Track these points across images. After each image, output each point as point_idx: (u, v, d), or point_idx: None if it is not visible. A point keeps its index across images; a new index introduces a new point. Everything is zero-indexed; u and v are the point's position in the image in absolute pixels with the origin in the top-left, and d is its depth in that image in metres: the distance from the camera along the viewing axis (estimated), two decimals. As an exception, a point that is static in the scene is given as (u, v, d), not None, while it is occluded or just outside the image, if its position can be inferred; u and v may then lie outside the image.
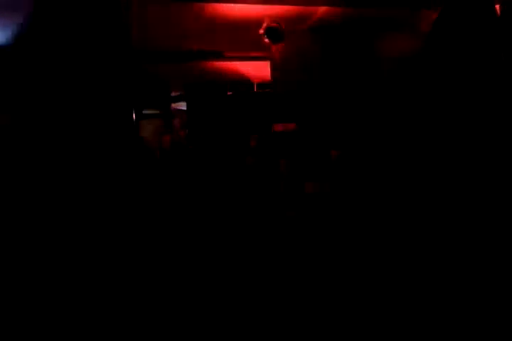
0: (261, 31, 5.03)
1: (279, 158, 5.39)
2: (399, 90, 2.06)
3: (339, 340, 2.38)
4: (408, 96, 2.01)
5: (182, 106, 9.50)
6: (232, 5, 4.86)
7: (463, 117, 1.72)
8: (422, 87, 1.83)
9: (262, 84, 8.35)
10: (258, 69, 7.30)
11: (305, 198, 5.09)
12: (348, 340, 2.31)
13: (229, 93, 8.74)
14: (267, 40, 5.12)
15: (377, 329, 1.82)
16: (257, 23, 5.10)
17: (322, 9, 5.26)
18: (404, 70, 2.23)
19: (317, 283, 3.38)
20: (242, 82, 8.49)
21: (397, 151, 1.98)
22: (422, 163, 1.81)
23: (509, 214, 1.52)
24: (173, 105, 6.43)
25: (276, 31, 5.02)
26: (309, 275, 3.48)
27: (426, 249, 1.65)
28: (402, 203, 1.82)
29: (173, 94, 6.43)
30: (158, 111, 5.84)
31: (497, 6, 2.10)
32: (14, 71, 1.89)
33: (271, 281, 3.88)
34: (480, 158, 1.61)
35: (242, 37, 5.80)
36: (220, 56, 7.00)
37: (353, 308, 2.19)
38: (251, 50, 6.54)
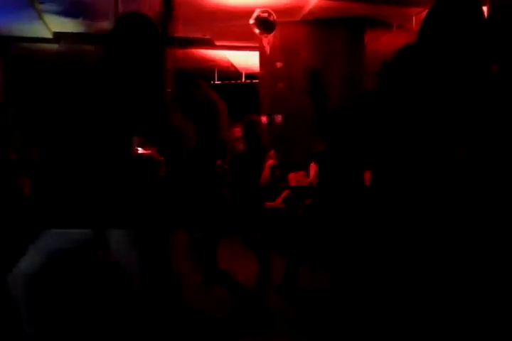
0: (251, 21, 4.99)
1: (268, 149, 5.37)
2: (389, 86, 2.06)
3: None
4: (398, 93, 2.02)
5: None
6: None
7: (451, 117, 1.73)
8: (410, 84, 1.84)
9: (251, 75, 8.33)
10: (247, 60, 7.27)
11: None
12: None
13: (217, 82, 8.71)
14: (257, 30, 5.08)
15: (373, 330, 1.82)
16: (249, 13, 5.06)
17: (314, 2, 5.24)
18: (395, 67, 2.23)
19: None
20: (231, 72, 8.45)
21: (389, 148, 1.99)
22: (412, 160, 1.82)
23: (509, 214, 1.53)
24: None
25: (266, 22, 4.99)
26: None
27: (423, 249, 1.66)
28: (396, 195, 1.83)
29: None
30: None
31: (484, 8, 2.12)
32: None
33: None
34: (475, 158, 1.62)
35: (233, 26, 5.76)
36: (210, 44, 6.95)
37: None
38: (241, 39, 6.50)
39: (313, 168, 4.63)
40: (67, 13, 5.66)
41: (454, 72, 1.68)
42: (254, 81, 7.78)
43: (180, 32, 6.48)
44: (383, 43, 5.32)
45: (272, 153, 5.20)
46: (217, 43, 6.91)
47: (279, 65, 5.95)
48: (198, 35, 6.43)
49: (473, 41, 1.70)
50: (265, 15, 4.95)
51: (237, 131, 5.77)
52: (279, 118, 6.14)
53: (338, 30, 5.75)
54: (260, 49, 6.05)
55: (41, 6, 5.38)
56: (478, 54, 1.71)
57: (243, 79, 8.58)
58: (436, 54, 1.71)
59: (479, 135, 1.67)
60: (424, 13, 1.90)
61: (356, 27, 5.70)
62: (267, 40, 5.74)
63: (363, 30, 5.71)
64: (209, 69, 8.31)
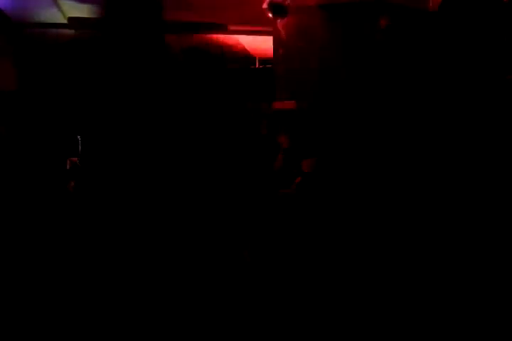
0: (264, 5, 4.93)
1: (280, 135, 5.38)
2: (405, 72, 2.03)
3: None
4: (414, 78, 1.98)
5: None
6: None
7: (466, 108, 1.69)
8: (428, 67, 1.80)
9: (265, 60, 8.24)
10: (261, 44, 7.19)
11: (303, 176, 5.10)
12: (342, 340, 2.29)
13: (230, 67, 8.65)
14: (270, 14, 5.03)
15: (373, 329, 1.81)
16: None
17: (330, -15, 5.15)
18: (412, 51, 2.19)
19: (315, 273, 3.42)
20: (244, 57, 8.38)
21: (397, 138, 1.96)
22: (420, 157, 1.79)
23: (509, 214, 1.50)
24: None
25: (280, 6, 4.93)
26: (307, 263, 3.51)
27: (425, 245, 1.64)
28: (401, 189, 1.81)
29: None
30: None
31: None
32: None
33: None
34: (481, 155, 1.59)
35: (247, 10, 5.70)
36: (224, 29, 6.88)
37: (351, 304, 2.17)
38: (255, 24, 6.42)
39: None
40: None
41: (472, 56, 1.64)
42: (268, 66, 7.72)
43: (193, 17, 6.47)
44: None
45: (284, 138, 5.19)
46: (231, 28, 6.86)
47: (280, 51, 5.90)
48: (211, 20, 6.39)
49: (492, 24, 1.66)
50: (279, -1, 4.89)
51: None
52: (291, 104, 6.10)
53: (354, 14, 5.65)
54: (274, 34, 5.98)
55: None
56: (497, 37, 1.67)
57: (257, 64, 8.52)
58: (454, 37, 1.67)
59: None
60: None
61: (372, 11, 5.59)
62: (282, 25, 5.67)
63: (379, 14, 5.60)
64: (222, 55, 8.26)
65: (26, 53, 7.09)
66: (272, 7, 4.93)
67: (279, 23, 5.59)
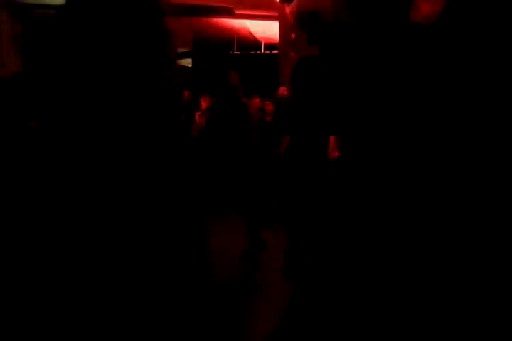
0: (272, -11, 4.88)
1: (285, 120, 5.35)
2: (417, 58, 1.98)
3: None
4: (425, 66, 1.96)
5: (187, 63, 9.32)
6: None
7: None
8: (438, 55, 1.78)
9: (270, 45, 8.17)
10: (267, 29, 7.12)
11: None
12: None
13: (236, 52, 8.59)
14: (277, -1, 4.98)
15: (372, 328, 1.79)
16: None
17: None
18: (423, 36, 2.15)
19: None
20: (250, 42, 8.30)
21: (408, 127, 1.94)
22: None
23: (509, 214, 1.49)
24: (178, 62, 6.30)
25: (287, -10, 4.88)
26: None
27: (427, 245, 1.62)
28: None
29: (178, 50, 6.31)
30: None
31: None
32: None
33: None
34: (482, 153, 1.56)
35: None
36: (230, 13, 6.81)
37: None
38: (262, 8, 6.35)
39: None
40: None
41: (484, 43, 1.63)
42: (273, 52, 7.67)
43: (200, 0, 6.41)
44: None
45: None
46: (237, 12, 6.80)
47: (293, 36, 5.85)
48: (218, 3, 6.33)
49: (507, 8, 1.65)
50: (286, -17, 4.84)
51: (257, 102, 5.76)
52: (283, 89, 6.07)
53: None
54: (280, 18, 5.92)
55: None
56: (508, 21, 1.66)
57: (262, 50, 8.46)
58: (464, 23, 1.67)
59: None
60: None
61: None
62: (290, 9, 5.62)
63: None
64: (228, 39, 8.21)
65: (33, 34, 7.03)
66: (280, -9, 4.88)
67: (286, 7, 5.53)
